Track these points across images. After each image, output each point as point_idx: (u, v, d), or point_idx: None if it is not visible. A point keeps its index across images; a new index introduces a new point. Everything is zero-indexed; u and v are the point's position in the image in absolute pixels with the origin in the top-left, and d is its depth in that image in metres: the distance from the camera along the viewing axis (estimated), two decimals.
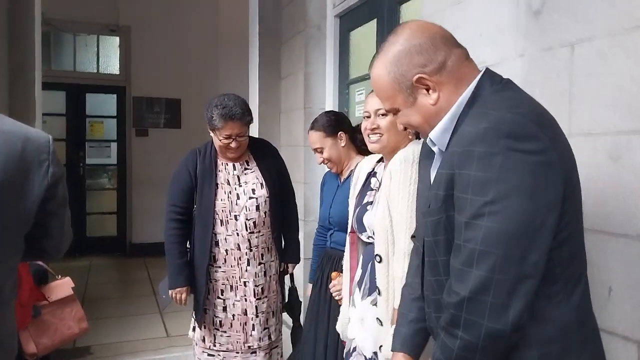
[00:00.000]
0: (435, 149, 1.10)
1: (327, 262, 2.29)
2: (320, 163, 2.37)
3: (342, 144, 2.25)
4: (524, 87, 1.18)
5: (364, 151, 2.07)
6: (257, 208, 2.33)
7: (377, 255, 1.62)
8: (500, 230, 0.89)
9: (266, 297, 2.38)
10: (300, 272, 2.99)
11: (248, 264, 2.32)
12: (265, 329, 2.37)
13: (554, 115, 1.47)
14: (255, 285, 2.33)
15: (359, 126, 1.92)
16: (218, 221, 2.30)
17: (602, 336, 1.36)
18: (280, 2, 3.93)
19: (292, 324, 2.59)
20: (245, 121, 2.28)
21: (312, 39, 3.48)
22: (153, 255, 6.08)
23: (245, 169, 2.38)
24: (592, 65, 1.40)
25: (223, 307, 2.34)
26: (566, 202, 0.95)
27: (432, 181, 1.09)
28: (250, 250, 2.33)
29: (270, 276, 2.40)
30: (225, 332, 2.35)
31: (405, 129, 1.50)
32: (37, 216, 1.13)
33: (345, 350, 1.84)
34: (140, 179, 6.47)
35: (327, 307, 2.20)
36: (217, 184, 2.32)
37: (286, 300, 2.55)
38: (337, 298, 2.05)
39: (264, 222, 2.35)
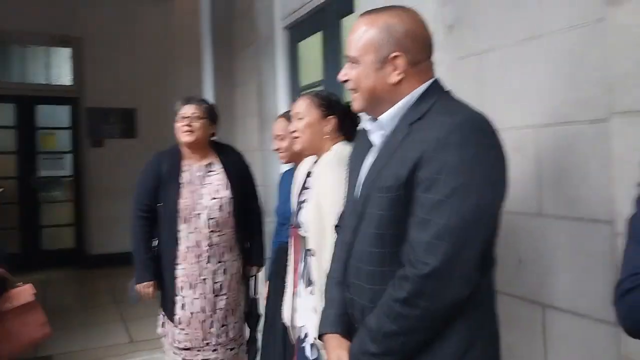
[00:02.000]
0: (378, 134, 1.20)
1: (283, 257, 2.45)
2: (276, 149, 2.42)
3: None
4: None
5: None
6: (220, 208, 2.45)
7: (308, 249, 1.78)
8: (470, 210, 1.01)
9: (225, 294, 2.46)
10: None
11: (207, 261, 2.44)
12: (223, 325, 2.46)
13: None
14: (214, 282, 2.44)
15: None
16: (181, 219, 2.43)
17: (513, 301, 1.61)
18: (232, 15, 4.10)
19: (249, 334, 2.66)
20: (203, 106, 2.48)
21: (263, 49, 3.66)
22: (114, 265, 6.08)
23: (210, 171, 2.51)
24: (495, 72, 1.65)
25: (182, 304, 2.43)
26: (506, 194, 1.13)
27: (383, 164, 1.15)
28: (210, 248, 2.43)
29: (231, 275, 2.49)
30: (183, 329, 2.43)
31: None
32: None
33: (296, 338, 1.96)
34: (98, 189, 6.45)
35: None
36: (180, 184, 2.45)
37: (247, 309, 2.64)
38: None
39: (226, 222, 2.46)
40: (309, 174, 2.02)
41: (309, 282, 1.83)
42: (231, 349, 2.51)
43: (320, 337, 1.30)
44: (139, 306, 4.51)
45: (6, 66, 6.63)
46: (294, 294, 1.94)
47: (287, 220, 2.42)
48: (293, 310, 1.95)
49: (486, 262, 1.12)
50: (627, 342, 1.17)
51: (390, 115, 1.18)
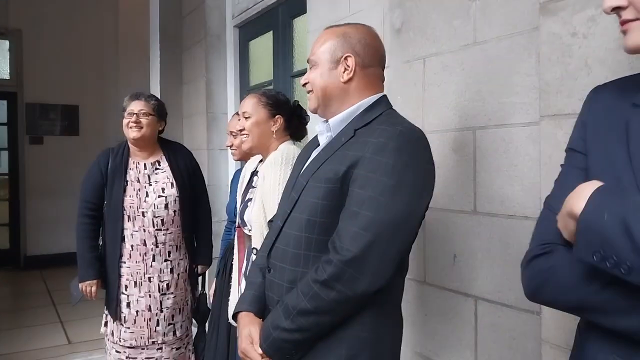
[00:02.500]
0: (327, 135, 1.32)
1: (231, 254, 2.45)
2: (229, 146, 2.42)
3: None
4: (390, 94, 1.45)
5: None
6: (166, 206, 2.42)
7: (253, 248, 1.79)
8: (397, 209, 1.11)
9: (172, 293, 2.45)
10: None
11: (153, 260, 2.41)
12: (170, 324, 2.45)
13: (414, 116, 1.79)
14: (160, 281, 2.41)
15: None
16: (125, 217, 2.39)
17: (449, 295, 1.68)
18: (181, 11, 4.04)
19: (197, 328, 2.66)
20: (150, 103, 2.44)
21: (212, 47, 3.63)
22: (51, 267, 5.86)
23: (157, 168, 2.48)
24: (438, 76, 1.72)
25: (127, 302, 2.40)
26: (427, 205, 1.24)
27: (324, 159, 1.24)
28: (157, 247, 2.41)
29: (178, 274, 2.47)
30: (129, 327, 2.40)
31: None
32: None
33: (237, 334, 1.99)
34: (36, 188, 6.17)
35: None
36: (126, 181, 2.41)
37: (194, 305, 2.63)
38: None
39: (172, 220, 2.44)
40: (255, 173, 2.02)
41: None
42: (177, 348, 2.50)
43: (235, 316, 1.36)
44: (77, 308, 4.40)
45: None
46: (238, 291, 1.94)
47: (234, 218, 2.43)
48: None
49: (402, 267, 1.25)
50: (547, 328, 1.25)
51: (339, 120, 1.29)
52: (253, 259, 1.79)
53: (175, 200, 2.44)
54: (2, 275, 5.82)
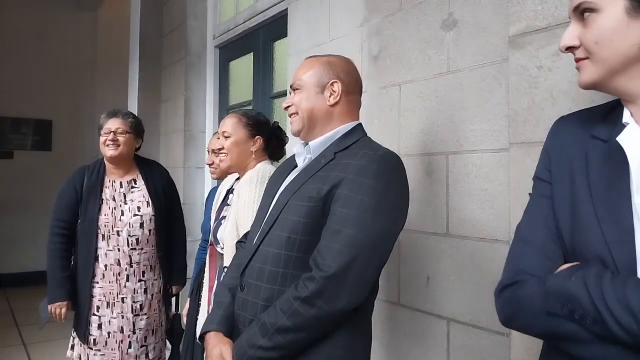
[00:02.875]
0: (307, 157, 1.37)
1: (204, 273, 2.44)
2: (209, 164, 2.40)
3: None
4: (367, 118, 1.51)
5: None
6: (141, 225, 2.39)
7: (225, 267, 1.79)
8: (378, 228, 1.17)
9: (145, 314, 2.41)
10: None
11: (127, 280, 2.37)
12: (143, 346, 2.39)
13: (389, 140, 1.84)
14: (134, 302, 2.37)
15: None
16: (100, 236, 2.35)
17: (422, 316, 1.71)
18: (162, 29, 4.07)
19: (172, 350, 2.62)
20: (128, 121, 2.43)
21: (192, 67, 3.65)
22: (16, 286, 5.69)
23: (132, 187, 2.46)
24: (413, 102, 1.78)
25: (98, 324, 2.34)
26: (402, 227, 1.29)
27: (305, 179, 1.28)
28: (131, 267, 2.37)
29: (152, 294, 2.44)
30: (99, 350, 2.33)
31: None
32: None
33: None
34: (4, 204, 6.00)
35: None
36: (102, 199, 2.38)
37: (168, 326, 2.59)
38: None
39: (147, 239, 2.41)
40: (231, 190, 2.04)
41: None
42: None
43: (202, 336, 1.35)
44: (42, 330, 4.28)
45: None
46: (208, 311, 1.93)
47: (208, 237, 2.43)
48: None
49: (374, 286, 1.27)
50: (516, 350, 1.29)
51: (318, 143, 1.36)
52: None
53: (150, 219, 2.42)
54: None
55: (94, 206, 2.36)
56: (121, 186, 2.45)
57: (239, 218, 1.77)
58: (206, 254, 2.46)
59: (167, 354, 2.60)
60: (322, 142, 1.36)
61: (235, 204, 1.81)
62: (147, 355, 2.42)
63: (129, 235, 2.37)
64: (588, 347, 0.78)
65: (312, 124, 1.37)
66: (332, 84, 1.36)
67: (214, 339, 1.29)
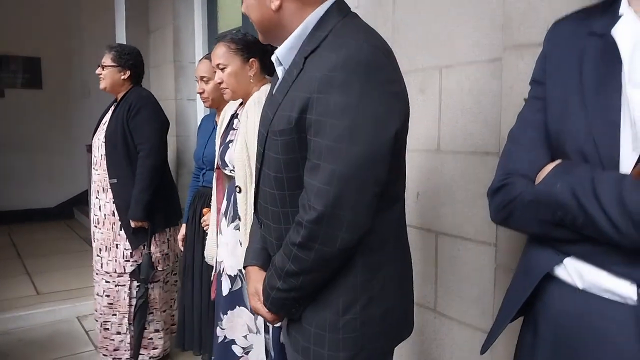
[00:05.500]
0: (279, 69, 1.15)
1: (199, 200, 2.44)
2: (200, 93, 2.33)
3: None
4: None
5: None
6: (98, 149, 2.57)
7: (237, 186, 1.80)
8: (358, 155, 0.96)
9: (100, 230, 2.59)
10: None
11: (91, 193, 2.69)
12: (97, 256, 2.58)
13: None
14: (94, 214, 2.67)
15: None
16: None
17: (411, 231, 1.72)
18: None
19: None
20: (110, 54, 2.57)
21: None
22: (15, 222, 5.77)
23: (111, 114, 2.59)
24: (407, 16, 1.71)
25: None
26: (402, 130, 1.06)
27: (278, 103, 1.09)
28: (93, 182, 2.61)
29: (104, 214, 2.56)
30: None
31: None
32: None
33: (215, 273, 2.01)
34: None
35: (200, 239, 2.37)
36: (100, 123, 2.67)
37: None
38: (207, 230, 2.23)
39: (100, 163, 2.55)
40: (235, 115, 2.01)
41: (233, 219, 1.86)
42: (106, 281, 2.57)
43: (244, 268, 1.32)
44: (43, 261, 4.37)
45: None
46: (218, 232, 1.97)
47: (206, 164, 2.42)
48: (214, 246, 2.00)
49: (389, 200, 1.09)
50: (501, 254, 1.31)
51: (286, 48, 1.12)
52: (238, 197, 1.80)
53: (101, 145, 2.54)
54: None
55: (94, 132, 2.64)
56: (107, 112, 2.65)
57: (248, 139, 1.76)
58: (199, 181, 2.49)
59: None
60: (291, 46, 1.11)
61: (244, 125, 1.78)
62: (102, 266, 2.55)
63: (94, 156, 2.60)
64: (577, 245, 0.81)
65: (269, 33, 1.14)
66: None
67: (251, 274, 1.25)
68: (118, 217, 2.50)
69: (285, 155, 1.06)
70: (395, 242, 1.14)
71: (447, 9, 1.58)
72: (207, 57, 2.33)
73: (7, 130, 5.93)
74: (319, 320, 1.09)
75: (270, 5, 1.09)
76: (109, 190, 2.51)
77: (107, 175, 2.51)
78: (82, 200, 6.03)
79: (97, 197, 2.56)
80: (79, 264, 4.17)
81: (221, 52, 1.86)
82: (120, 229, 2.51)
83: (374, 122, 0.98)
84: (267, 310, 1.14)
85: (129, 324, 2.54)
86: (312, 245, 1.01)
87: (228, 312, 1.86)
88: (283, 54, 1.12)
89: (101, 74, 2.55)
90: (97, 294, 2.57)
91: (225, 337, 1.88)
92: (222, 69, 1.86)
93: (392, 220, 1.12)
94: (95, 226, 2.57)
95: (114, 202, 2.50)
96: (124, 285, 2.53)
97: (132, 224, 2.48)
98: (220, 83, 1.87)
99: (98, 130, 2.61)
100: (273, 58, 1.16)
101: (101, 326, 2.56)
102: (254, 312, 1.25)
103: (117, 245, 2.54)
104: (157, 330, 2.62)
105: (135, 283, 2.53)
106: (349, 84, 0.96)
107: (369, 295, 1.07)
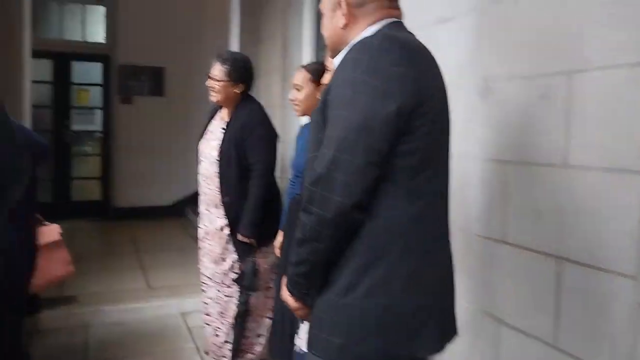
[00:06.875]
0: None
1: (297, 207, 2.43)
2: (291, 100, 2.40)
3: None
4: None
5: None
6: (211, 165, 2.52)
7: None
8: (354, 120, 1.03)
9: (209, 241, 2.60)
10: None
11: (200, 203, 2.66)
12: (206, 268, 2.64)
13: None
14: (204, 224, 2.65)
15: None
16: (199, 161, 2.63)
17: (529, 254, 1.54)
18: None
19: None
20: (224, 67, 2.47)
21: (290, 4, 3.57)
22: (136, 218, 6.26)
23: (221, 129, 2.54)
24: (523, 12, 1.55)
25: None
26: (419, 119, 1.07)
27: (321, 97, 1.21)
28: (204, 194, 2.57)
29: (215, 228, 2.56)
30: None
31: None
32: None
33: None
34: (124, 145, 6.53)
35: None
36: (206, 132, 2.64)
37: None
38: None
39: (212, 180, 2.51)
40: None
41: None
42: (218, 290, 2.60)
43: None
44: (157, 256, 4.66)
45: (44, 23, 6.69)
46: None
47: (302, 173, 2.40)
48: None
49: (407, 191, 1.09)
50: None
51: (339, 58, 1.20)
52: None
53: (215, 161, 2.49)
54: (94, 225, 6.28)
55: (201, 137, 2.61)
56: (217, 121, 2.61)
57: None
58: (295, 190, 2.47)
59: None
60: (342, 56, 1.18)
61: None
62: (212, 276, 2.58)
63: (204, 167, 2.55)
64: None
65: (337, 50, 1.24)
66: (339, 3, 1.20)
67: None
68: (229, 232, 2.53)
69: (316, 135, 1.15)
70: (407, 237, 1.09)
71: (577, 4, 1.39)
72: (305, 66, 2.39)
73: (133, 134, 6.48)
74: (322, 302, 1.13)
75: (339, 23, 1.22)
76: (222, 207, 2.52)
77: (219, 192, 2.50)
78: (193, 200, 6.40)
79: (207, 210, 2.57)
80: (185, 261, 4.37)
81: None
82: (229, 243, 2.54)
83: (372, 92, 1.04)
84: (289, 294, 1.20)
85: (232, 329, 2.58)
86: (310, 208, 1.06)
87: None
88: (338, 62, 1.20)
89: (213, 87, 2.48)
90: (210, 298, 2.60)
91: (301, 350, 1.84)
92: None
93: (410, 217, 1.10)
94: (205, 237, 2.59)
95: (225, 217, 2.52)
96: (233, 297, 2.57)
97: (240, 238, 2.50)
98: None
99: (207, 140, 2.56)
100: (332, 66, 1.34)
101: (214, 331, 2.60)
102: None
103: (225, 258, 2.57)
104: (259, 335, 2.63)
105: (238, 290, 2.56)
106: (357, 61, 1.07)
107: (370, 282, 1.07)
